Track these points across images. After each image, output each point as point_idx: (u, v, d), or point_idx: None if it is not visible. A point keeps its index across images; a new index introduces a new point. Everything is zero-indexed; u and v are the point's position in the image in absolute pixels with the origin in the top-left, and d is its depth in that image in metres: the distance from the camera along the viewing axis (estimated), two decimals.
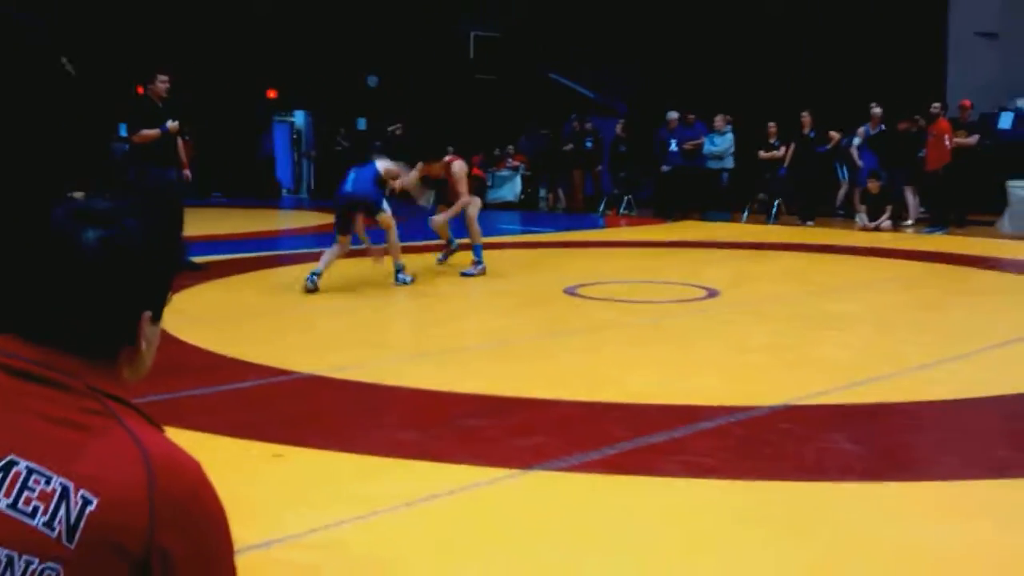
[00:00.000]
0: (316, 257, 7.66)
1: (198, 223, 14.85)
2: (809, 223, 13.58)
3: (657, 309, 6.89)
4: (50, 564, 1.03)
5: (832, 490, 3.23)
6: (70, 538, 1.03)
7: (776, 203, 14.16)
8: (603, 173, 16.57)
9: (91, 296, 1.11)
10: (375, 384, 4.64)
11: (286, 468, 3.43)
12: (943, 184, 12.63)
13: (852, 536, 2.85)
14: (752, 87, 16.48)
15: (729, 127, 14.82)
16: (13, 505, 1.04)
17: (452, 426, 4.04)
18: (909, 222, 13.23)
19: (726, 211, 14.78)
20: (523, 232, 13.47)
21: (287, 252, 10.70)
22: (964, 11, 15.80)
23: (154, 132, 8.10)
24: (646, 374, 4.87)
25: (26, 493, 1.04)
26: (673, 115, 15.24)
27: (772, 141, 14.49)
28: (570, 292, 7.47)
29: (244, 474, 3.29)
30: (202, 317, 6.47)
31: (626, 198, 15.89)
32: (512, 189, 18.11)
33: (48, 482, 1.04)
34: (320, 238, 12.62)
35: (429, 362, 5.13)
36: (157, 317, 1.20)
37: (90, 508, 1.04)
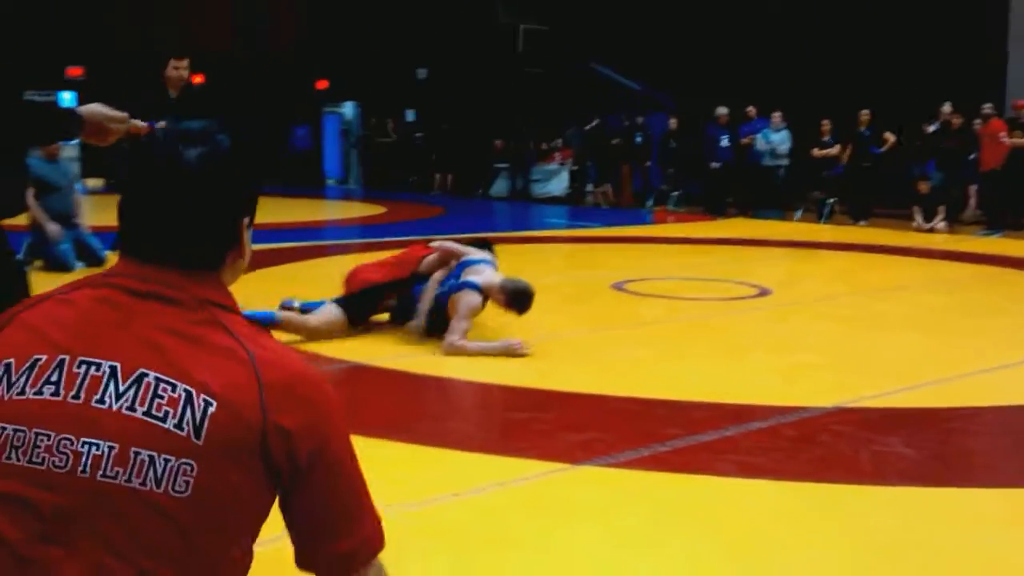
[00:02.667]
0: (366, 247, 7.68)
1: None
2: (862, 222, 13.37)
3: (707, 306, 6.82)
4: (185, 460, 1.16)
5: (887, 494, 3.16)
6: (198, 436, 1.17)
7: (830, 202, 13.95)
8: (652, 168, 16.45)
9: (199, 206, 1.25)
10: (423, 375, 4.64)
11: None
12: (1000, 186, 12.35)
13: (908, 542, 2.79)
14: (806, 83, 16.25)
15: (785, 125, 14.59)
16: (148, 412, 1.17)
17: (501, 418, 4.03)
18: (968, 214, 12.97)
19: (778, 209, 14.60)
20: (570, 227, 13.43)
21: (334, 242, 10.76)
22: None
23: (143, 126, 7.32)
24: (696, 371, 4.83)
25: (157, 400, 1.18)
26: (723, 110, 15.06)
27: (825, 139, 14.27)
28: (618, 288, 7.43)
29: None
30: (250, 305, 6.53)
31: (674, 194, 15.76)
32: (559, 184, 18.05)
33: (174, 389, 1.18)
34: (368, 228, 12.72)
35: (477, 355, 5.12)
36: (251, 223, 1.34)
37: (211, 409, 1.18)
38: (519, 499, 3.10)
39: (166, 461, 1.16)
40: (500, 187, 18.84)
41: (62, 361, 1.20)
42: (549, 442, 3.61)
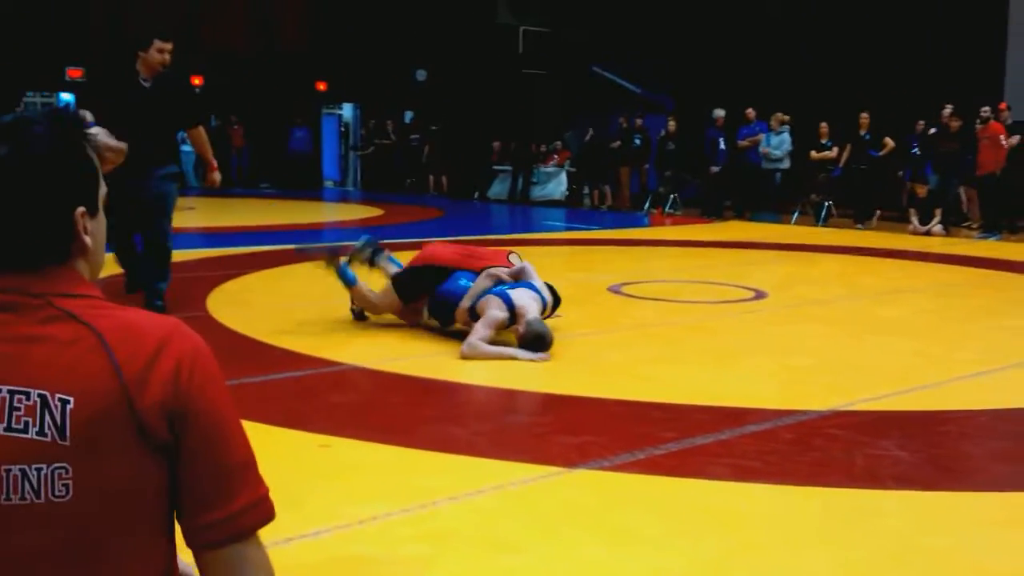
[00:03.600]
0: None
1: (247, 213, 15.10)
2: (859, 226, 13.40)
3: (704, 309, 6.84)
4: (57, 464, 1.13)
5: (883, 497, 3.18)
6: (63, 437, 1.13)
7: (827, 205, 13.98)
8: (650, 171, 16.48)
9: (17, 204, 1.17)
10: (421, 378, 4.66)
11: (333, 459, 3.46)
12: (998, 189, 12.37)
13: (904, 546, 2.81)
14: (804, 86, 16.28)
15: (786, 128, 14.59)
16: (8, 427, 1.13)
17: (498, 422, 4.04)
18: (972, 224, 12.99)
19: (775, 212, 14.62)
20: (567, 229, 13.46)
21: (333, 244, 10.77)
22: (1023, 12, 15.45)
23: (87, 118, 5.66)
24: (693, 374, 4.84)
25: (15, 413, 1.13)
26: (720, 113, 15.07)
27: (824, 141, 14.30)
28: (615, 290, 7.44)
29: (292, 464, 3.33)
30: (250, 306, 6.55)
31: (672, 196, 15.79)
32: (557, 186, 18.07)
33: (28, 397, 1.13)
34: (366, 230, 12.72)
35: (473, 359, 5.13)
36: (93, 211, 1.25)
37: (70, 407, 1.13)
38: (516, 503, 3.11)
39: (38, 471, 1.12)
40: (497, 189, 18.86)
41: None
42: (545, 445, 3.63)
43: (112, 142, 2.34)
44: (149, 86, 5.74)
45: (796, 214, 14.36)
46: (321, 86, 21.97)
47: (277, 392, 4.38)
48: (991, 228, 12.39)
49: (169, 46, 5.78)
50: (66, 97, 18.35)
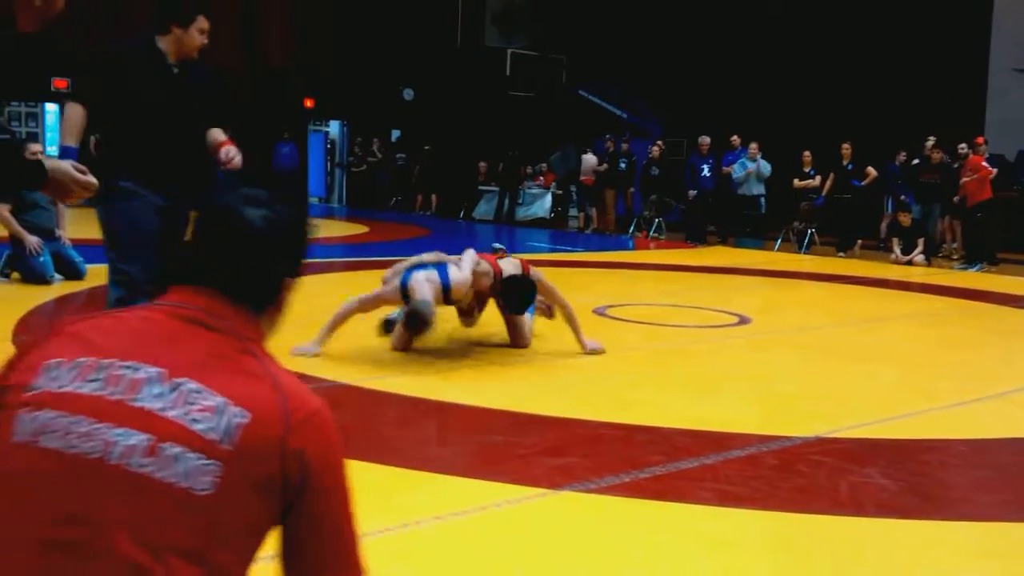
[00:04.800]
0: (348, 267, 7.67)
1: None
2: (841, 254, 13.50)
3: (687, 333, 6.86)
4: (212, 461, 1.25)
5: (866, 525, 3.18)
6: (227, 442, 1.26)
7: (810, 232, 14.08)
8: (635, 195, 16.57)
9: (253, 260, 1.42)
10: (405, 396, 4.64)
11: None
12: (983, 221, 12.48)
13: (888, 573, 2.81)
14: (788, 115, 16.45)
15: (760, 154, 14.76)
16: (183, 415, 1.27)
17: (482, 442, 4.03)
18: (954, 249, 13.12)
19: (758, 238, 14.71)
20: (552, 251, 13.48)
21: (318, 260, 10.74)
22: (1004, 46, 15.71)
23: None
24: (677, 398, 4.85)
25: (192, 406, 1.27)
26: (705, 139, 15.20)
27: (807, 170, 14.43)
28: (599, 313, 7.45)
29: None
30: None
31: (656, 221, 15.86)
32: (542, 206, 18.14)
33: (209, 398, 1.28)
34: (351, 248, 12.70)
35: (459, 377, 5.12)
36: (293, 284, 1.50)
37: (242, 421, 1.28)
38: (499, 523, 3.09)
39: (194, 459, 1.24)
40: (483, 209, 18.90)
41: (107, 364, 1.30)
42: (529, 467, 3.61)
43: (79, 176, 2.27)
44: (179, 73, 4.22)
45: (779, 241, 14.46)
46: (308, 103, 21.99)
47: None
48: (972, 259, 12.50)
49: (206, 25, 4.29)
50: (51, 108, 18.25)
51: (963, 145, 12.81)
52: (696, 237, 14.95)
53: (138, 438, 1.24)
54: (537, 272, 5.77)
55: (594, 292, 8.85)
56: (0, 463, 1.26)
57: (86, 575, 1.19)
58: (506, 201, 18.32)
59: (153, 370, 1.29)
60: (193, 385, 1.29)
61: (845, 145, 13.84)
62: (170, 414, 1.26)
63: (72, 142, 4.02)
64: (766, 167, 14.60)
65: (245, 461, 1.26)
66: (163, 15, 4.15)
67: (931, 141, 13.29)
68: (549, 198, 18.10)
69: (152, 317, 1.37)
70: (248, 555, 1.30)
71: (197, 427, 1.26)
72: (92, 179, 2.28)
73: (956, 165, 12.94)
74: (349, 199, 22.39)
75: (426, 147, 20.05)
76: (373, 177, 21.20)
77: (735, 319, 7.45)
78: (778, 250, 14.05)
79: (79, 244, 8.21)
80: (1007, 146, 14.52)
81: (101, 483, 1.22)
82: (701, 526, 3.12)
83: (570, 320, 5.74)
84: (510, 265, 5.73)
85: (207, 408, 1.27)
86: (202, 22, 4.23)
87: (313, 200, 23.11)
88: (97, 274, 6.25)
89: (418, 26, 20.84)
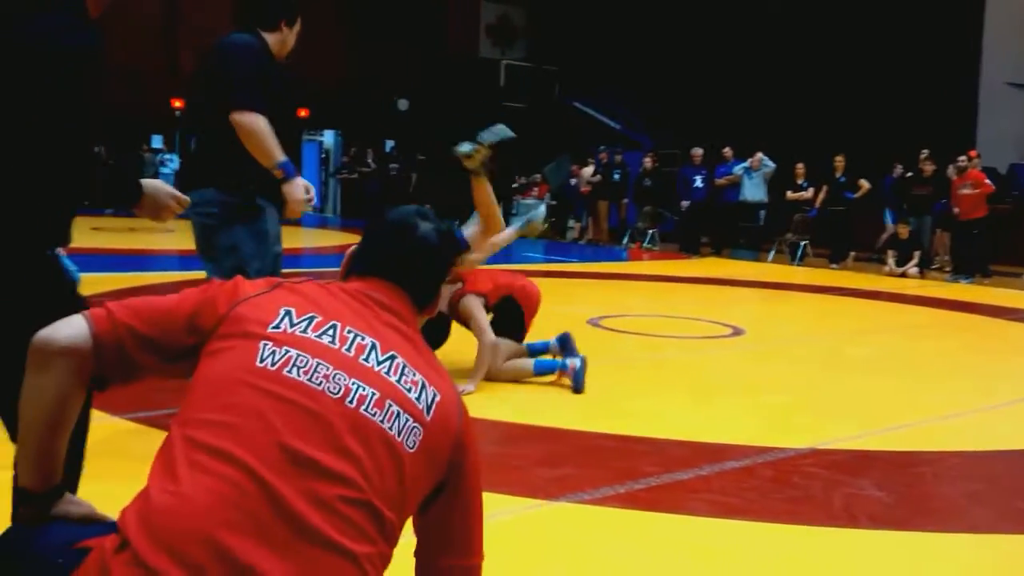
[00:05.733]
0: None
1: None
2: (834, 266, 13.55)
3: (682, 344, 6.88)
4: (417, 424, 1.49)
5: (859, 537, 3.20)
6: (428, 413, 1.51)
7: (803, 244, 14.13)
8: (628, 206, 16.62)
9: (429, 266, 1.68)
10: None
11: None
12: (979, 234, 12.52)
13: None
14: (781, 127, 16.53)
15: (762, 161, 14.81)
16: (399, 381, 1.50)
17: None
18: (946, 262, 13.15)
19: (752, 250, 14.76)
20: (547, 261, 13.50)
21: (312, 270, 10.75)
22: (995, 61, 15.82)
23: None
24: (672, 409, 4.86)
25: (405, 377, 1.52)
26: (698, 150, 15.26)
27: (800, 182, 14.49)
28: (594, 323, 7.47)
29: None
30: None
31: (650, 232, 15.91)
32: (536, 216, 18.17)
33: (415, 374, 1.53)
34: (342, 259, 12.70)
35: None
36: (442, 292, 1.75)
37: (438, 399, 1.53)
38: (494, 535, 3.07)
39: (408, 419, 1.47)
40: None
41: (335, 324, 1.51)
42: (524, 477, 3.62)
43: (178, 193, 2.29)
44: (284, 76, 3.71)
45: (772, 252, 14.50)
46: (303, 112, 22.00)
47: None
48: (963, 271, 12.56)
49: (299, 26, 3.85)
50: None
51: (963, 158, 12.86)
52: (690, 248, 14.99)
53: (370, 391, 1.45)
54: (476, 299, 5.20)
55: (588, 303, 8.87)
56: (250, 378, 1.42)
57: (317, 492, 1.34)
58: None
59: (370, 340, 1.51)
60: (402, 360, 1.52)
61: (838, 158, 13.90)
62: (391, 378, 1.48)
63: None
64: (770, 163, 14.58)
65: (436, 434, 1.50)
66: (273, 10, 3.68)
67: (925, 153, 13.36)
68: (543, 209, 18.15)
69: (353, 294, 1.59)
70: (408, 516, 1.50)
71: (410, 395, 1.49)
72: (187, 199, 2.30)
73: (951, 178, 12.99)
74: (344, 209, 22.39)
75: (420, 157, 20.08)
76: (366, 187, 21.22)
77: (729, 330, 7.47)
78: (771, 262, 14.09)
79: (72, 253, 8.19)
80: (999, 160, 14.61)
81: (339, 420, 1.41)
82: (696, 537, 3.13)
83: (480, 354, 5.09)
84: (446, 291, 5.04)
85: (415, 382, 1.51)
86: (299, 24, 3.82)
87: (308, 209, 23.10)
88: (91, 283, 6.24)
89: (414, 37, 20.90)
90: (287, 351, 1.45)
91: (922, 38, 15.96)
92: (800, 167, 14.46)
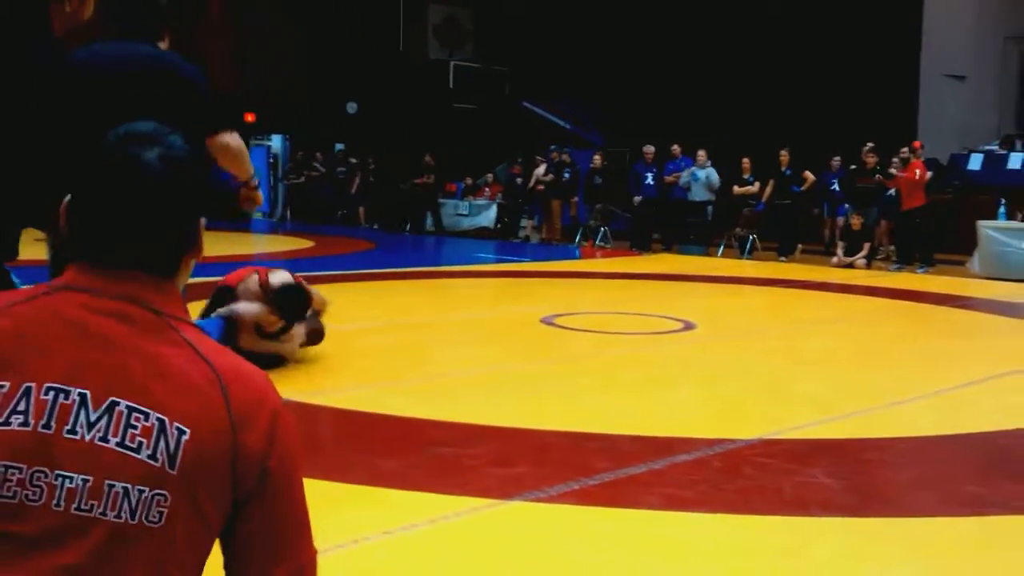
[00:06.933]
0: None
1: None
2: (783, 259, 13.72)
3: (634, 340, 6.91)
4: (159, 491, 1.14)
5: (811, 524, 3.23)
6: (172, 466, 1.14)
7: (751, 238, 14.29)
8: (579, 204, 16.66)
9: (161, 209, 1.20)
10: (351, 411, 4.60)
11: None
12: (922, 224, 12.76)
13: (835, 572, 2.85)
14: (726, 122, 16.71)
15: (709, 161, 14.95)
16: (122, 443, 1.14)
17: (430, 455, 4.01)
18: (891, 251, 13.39)
19: (702, 245, 14.89)
20: (499, 261, 13.49)
21: None
22: (934, 54, 16.14)
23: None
24: (624, 405, 4.88)
25: (131, 430, 1.14)
26: (650, 148, 15.36)
27: (747, 176, 14.65)
28: (547, 322, 7.48)
29: None
30: None
31: (602, 229, 15.97)
32: (487, 216, 18.15)
33: (147, 418, 1.15)
34: (297, 262, 12.57)
35: (405, 390, 5.10)
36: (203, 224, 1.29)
37: (184, 438, 1.15)
38: (450, 536, 3.08)
39: (140, 492, 1.13)
40: (430, 222, 18.85)
41: (28, 389, 1.14)
42: (480, 477, 3.61)
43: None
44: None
45: (722, 247, 14.64)
46: (250, 117, 21.75)
47: None
48: (905, 260, 12.79)
49: None
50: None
51: (904, 149, 13.10)
52: (641, 245, 15.08)
53: (80, 479, 1.12)
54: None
55: (541, 301, 8.88)
56: None
57: None
58: (431, 215, 18.33)
59: (81, 392, 1.15)
60: (126, 404, 1.15)
61: (783, 152, 14.10)
62: (109, 444, 1.13)
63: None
64: (715, 178, 14.78)
65: (193, 480, 1.16)
66: (158, 19, 3.20)
67: (868, 146, 13.58)
68: (495, 209, 18.13)
69: (56, 312, 1.17)
70: (201, 563, 1.21)
71: (139, 455, 1.14)
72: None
73: (893, 171, 13.23)
74: (294, 213, 22.18)
75: (369, 160, 19.94)
76: (315, 191, 21.03)
77: (680, 325, 7.53)
78: (721, 256, 14.23)
79: (16, 267, 8.01)
80: (940, 150, 14.90)
81: (48, 532, 1.12)
82: (651, 531, 3.14)
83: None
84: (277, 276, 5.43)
85: (146, 430, 1.14)
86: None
87: (257, 215, 22.84)
88: None
89: (362, 39, 20.77)
90: None
91: (863, 32, 16.24)
92: (746, 161, 14.62)
